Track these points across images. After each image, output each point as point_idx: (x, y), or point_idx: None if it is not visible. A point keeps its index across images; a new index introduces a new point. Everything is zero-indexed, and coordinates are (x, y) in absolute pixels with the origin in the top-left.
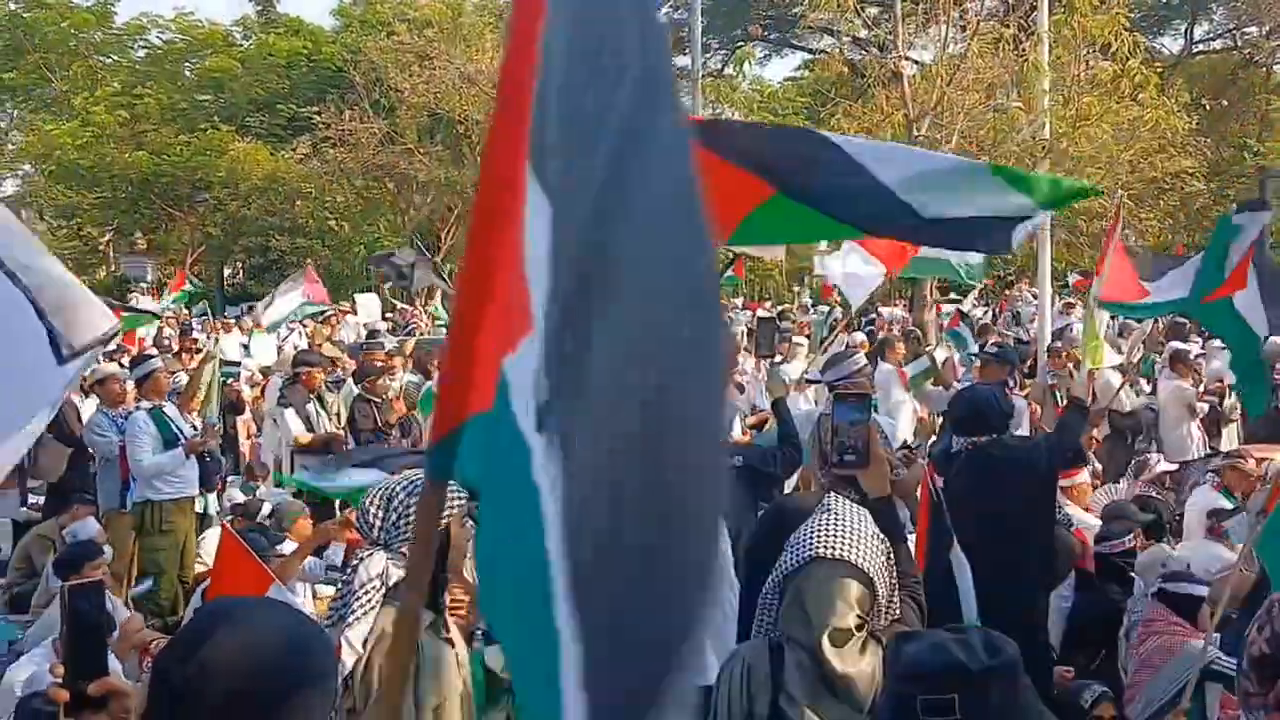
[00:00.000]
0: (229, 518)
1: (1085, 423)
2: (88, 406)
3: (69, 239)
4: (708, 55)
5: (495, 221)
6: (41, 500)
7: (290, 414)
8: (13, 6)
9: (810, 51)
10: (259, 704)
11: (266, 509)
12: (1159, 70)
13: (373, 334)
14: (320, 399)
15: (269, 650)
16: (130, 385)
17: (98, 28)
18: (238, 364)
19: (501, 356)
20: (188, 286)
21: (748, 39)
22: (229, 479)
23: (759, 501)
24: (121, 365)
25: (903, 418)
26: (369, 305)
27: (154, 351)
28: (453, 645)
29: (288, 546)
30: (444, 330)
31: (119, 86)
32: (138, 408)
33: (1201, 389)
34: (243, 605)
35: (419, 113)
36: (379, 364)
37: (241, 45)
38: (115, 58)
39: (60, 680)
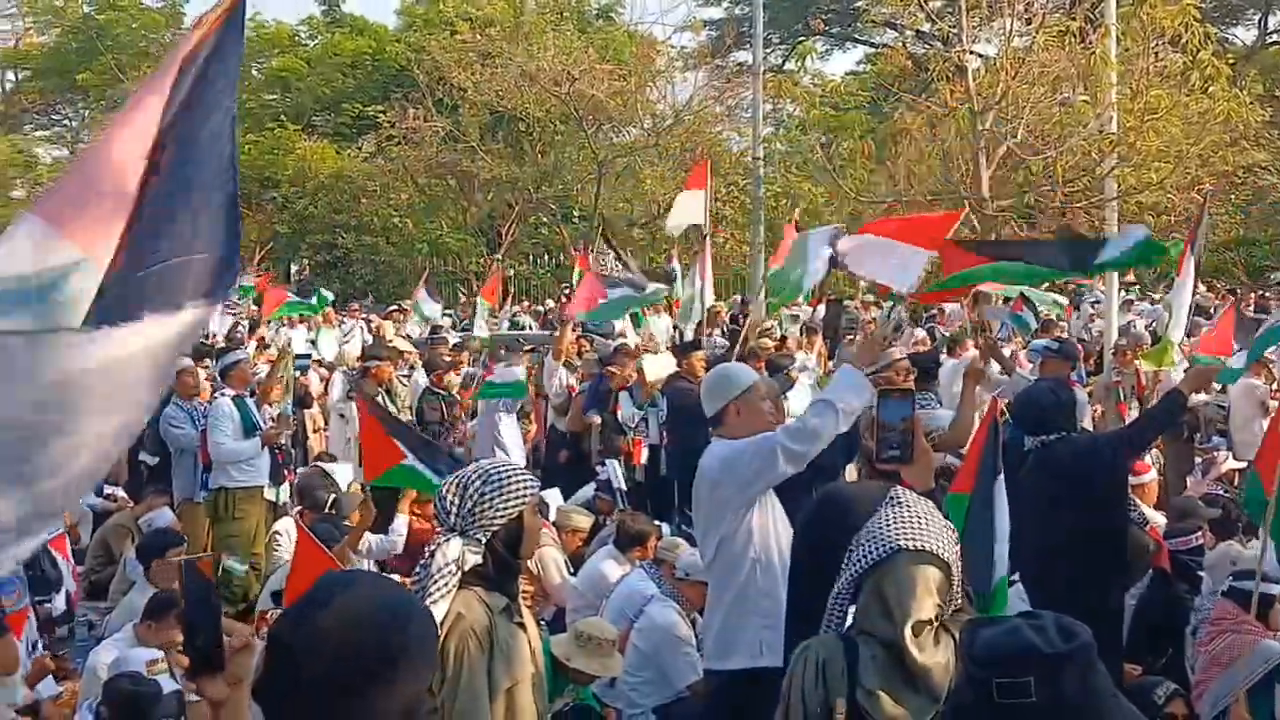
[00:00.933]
0: (296, 508)
1: (1175, 420)
2: None
3: None
4: (769, 50)
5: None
6: (117, 490)
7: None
8: (86, 9)
9: (873, 45)
10: (367, 668)
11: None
12: (1231, 62)
13: (435, 329)
14: (389, 392)
15: (378, 618)
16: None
17: (168, 29)
18: (308, 356)
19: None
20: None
21: (809, 33)
22: (299, 472)
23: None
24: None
25: None
26: (431, 301)
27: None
28: (525, 629)
29: None
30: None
31: None
32: (222, 394)
33: (1274, 387)
34: (354, 578)
35: (481, 111)
36: (447, 358)
37: (307, 45)
38: None
39: (181, 647)
